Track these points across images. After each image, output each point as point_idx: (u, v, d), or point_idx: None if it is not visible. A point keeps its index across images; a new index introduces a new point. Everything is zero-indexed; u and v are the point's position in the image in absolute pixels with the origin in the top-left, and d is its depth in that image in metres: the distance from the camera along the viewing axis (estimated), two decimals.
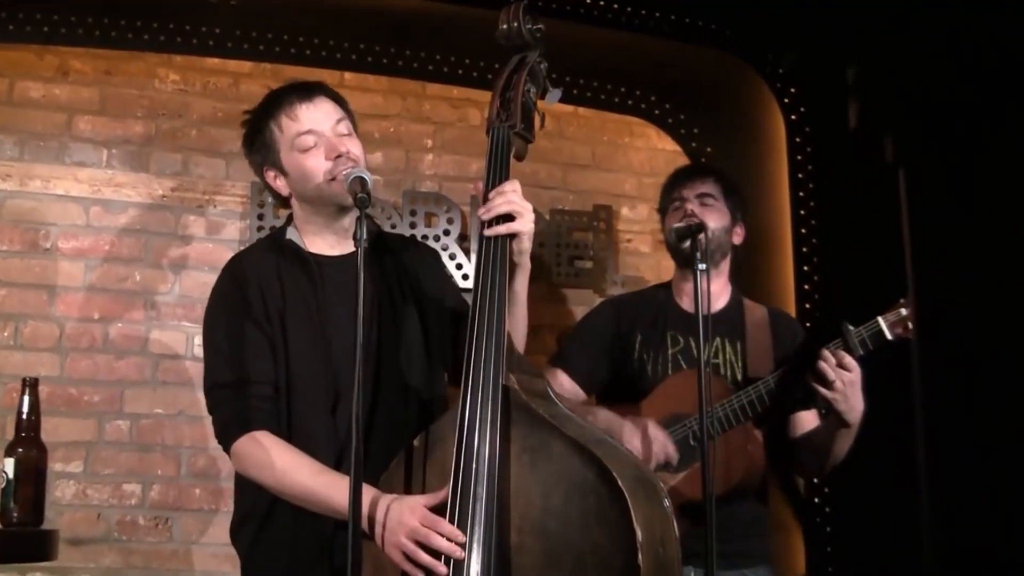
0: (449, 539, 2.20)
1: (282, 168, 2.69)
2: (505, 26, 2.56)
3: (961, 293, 0.87)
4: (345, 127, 2.68)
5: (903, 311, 3.01)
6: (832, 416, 3.04)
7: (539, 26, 2.58)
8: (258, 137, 2.72)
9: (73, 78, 3.98)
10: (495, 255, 2.37)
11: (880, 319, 3.03)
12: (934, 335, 0.90)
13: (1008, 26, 0.86)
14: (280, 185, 2.72)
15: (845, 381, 2.94)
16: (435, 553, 2.21)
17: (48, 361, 3.82)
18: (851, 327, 3.03)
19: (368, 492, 2.30)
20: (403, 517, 2.25)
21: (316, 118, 2.66)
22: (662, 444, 3.04)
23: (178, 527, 3.85)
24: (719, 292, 3.34)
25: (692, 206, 3.29)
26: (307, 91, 2.70)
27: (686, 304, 3.36)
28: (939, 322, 0.89)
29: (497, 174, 2.44)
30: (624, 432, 3.05)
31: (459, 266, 4.14)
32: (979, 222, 0.87)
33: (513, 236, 2.41)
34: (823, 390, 2.95)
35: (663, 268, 4.30)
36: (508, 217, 2.39)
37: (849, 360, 2.95)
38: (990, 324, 0.85)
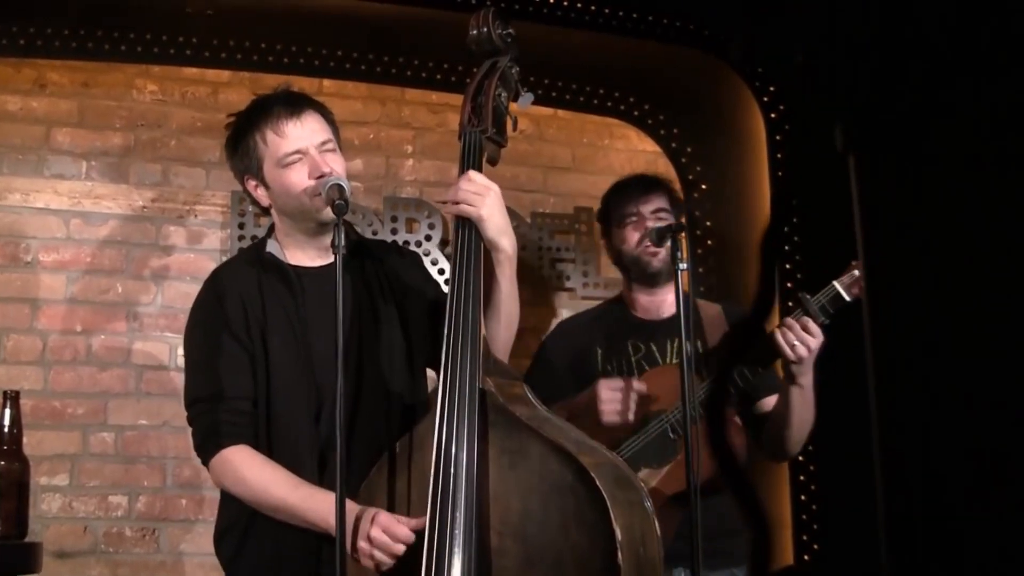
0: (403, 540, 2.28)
1: (264, 180, 2.68)
2: (475, 32, 2.57)
3: (913, 281, 0.88)
4: (331, 145, 2.67)
5: (856, 272, 3.06)
6: (787, 384, 3.10)
7: (509, 31, 2.58)
8: (241, 145, 2.70)
9: (51, 90, 3.98)
10: (468, 259, 2.39)
11: (835, 282, 3.07)
12: (886, 322, 0.91)
13: (959, 10, 0.87)
14: (260, 195, 2.72)
15: (810, 346, 3.01)
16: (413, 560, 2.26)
17: (31, 374, 3.82)
18: (808, 296, 3.08)
19: (346, 506, 2.31)
20: (363, 524, 2.30)
21: (302, 136, 2.64)
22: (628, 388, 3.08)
23: (165, 538, 3.85)
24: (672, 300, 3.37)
25: (651, 224, 3.29)
26: (295, 105, 2.68)
27: (640, 314, 3.42)
28: (891, 309, 0.90)
29: None
30: (599, 391, 3.10)
31: (441, 271, 4.14)
32: (931, 209, 0.87)
33: (473, 223, 2.44)
34: (789, 354, 3.01)
35: None
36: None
37: (813, 326, 3.02)
38: (943, 311, 0.85)
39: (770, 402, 3.26)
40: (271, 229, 2.79)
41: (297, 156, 2.61)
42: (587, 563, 2.14)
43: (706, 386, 3.11)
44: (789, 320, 3.04)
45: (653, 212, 3.34)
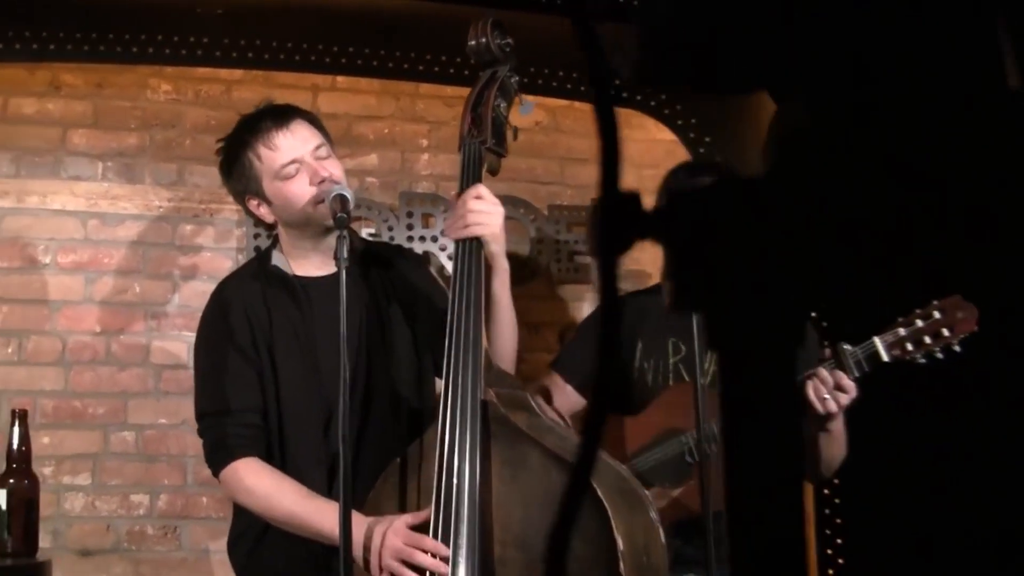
0: (433, 554, 2.22)
1: (265, 197, 2.68)
2: (474, 42, 2.56)
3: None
4: (324, 150, 2.67)
5: (901, 331, 2.83)
6: (814, 429, 2.91)
7: (508, 40, 2.58)
8: (235, 166, 2.71)
9: (65, 92, 3.99)
10: (468, 271, 2.39)
11: (876, 338, 2.85)
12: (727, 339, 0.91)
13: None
14: (264, 212, 2.72)
15: (841, 402, 2.81)
16: (421, 570, 2.25)
17: (52, 375, 3.84)
18: (847, 347, 2.86)
19: (353, 518, 2.31)
20: (386, 539, 2.28)
21: (294, 145, 2.64)
22: None
23: (186, 535, 3.88)
24: None
25: None
26: (282, 116, 2.68)
27: None
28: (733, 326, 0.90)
29: None
30: None
31: None
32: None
33: (477, 239, 2.42)
34: (818, 407, 2.80)
35: None
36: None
37: (847, 381, 2.81)
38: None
39: None
40: (275, 241, 2.79)
41: (294, 166, 2.62)
42: (589, 573, 2.13)
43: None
44: (823, 373, 2.80)
45: None
